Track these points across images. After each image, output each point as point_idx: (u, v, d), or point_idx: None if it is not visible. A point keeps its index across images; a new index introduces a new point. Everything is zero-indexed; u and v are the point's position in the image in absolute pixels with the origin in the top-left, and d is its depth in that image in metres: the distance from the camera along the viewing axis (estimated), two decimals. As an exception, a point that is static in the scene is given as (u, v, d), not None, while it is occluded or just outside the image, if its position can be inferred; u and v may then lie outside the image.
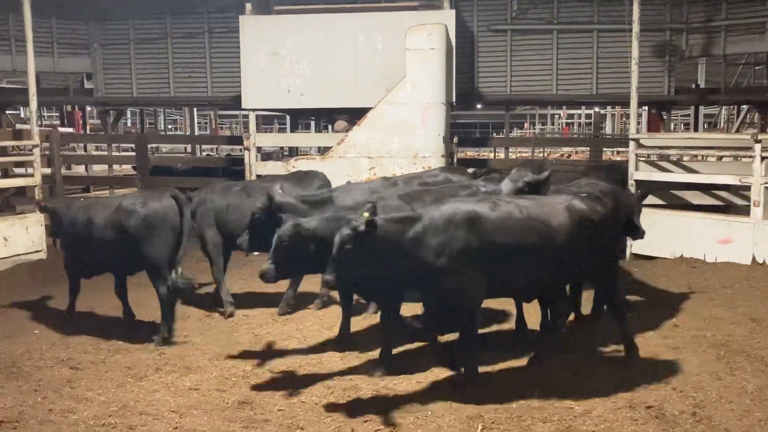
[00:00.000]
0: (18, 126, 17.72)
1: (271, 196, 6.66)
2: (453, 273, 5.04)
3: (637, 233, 7.01)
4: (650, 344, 6.31)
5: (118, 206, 6.60)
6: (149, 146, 16.44)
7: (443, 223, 5.08)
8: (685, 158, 10.99)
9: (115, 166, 17.06)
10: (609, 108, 27.40)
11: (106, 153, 17.40)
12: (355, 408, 4.97)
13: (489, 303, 6.67)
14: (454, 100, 12.24)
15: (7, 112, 19.54)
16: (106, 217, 6.59)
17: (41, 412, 5.00)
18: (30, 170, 11.69)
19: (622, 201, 6.61)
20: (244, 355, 6.24)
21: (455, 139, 12.63)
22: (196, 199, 7.75)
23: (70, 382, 5.61)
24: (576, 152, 24.71)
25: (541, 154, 23.36)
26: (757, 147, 9.34)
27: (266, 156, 15.65)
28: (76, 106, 21.13)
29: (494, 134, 35.77)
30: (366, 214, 5.12)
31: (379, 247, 4.99)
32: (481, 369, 5.50)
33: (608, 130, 29.24)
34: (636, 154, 10.73)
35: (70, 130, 20.82)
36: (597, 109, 25.53)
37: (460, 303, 5.22)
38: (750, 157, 9.69)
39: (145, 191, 7.05)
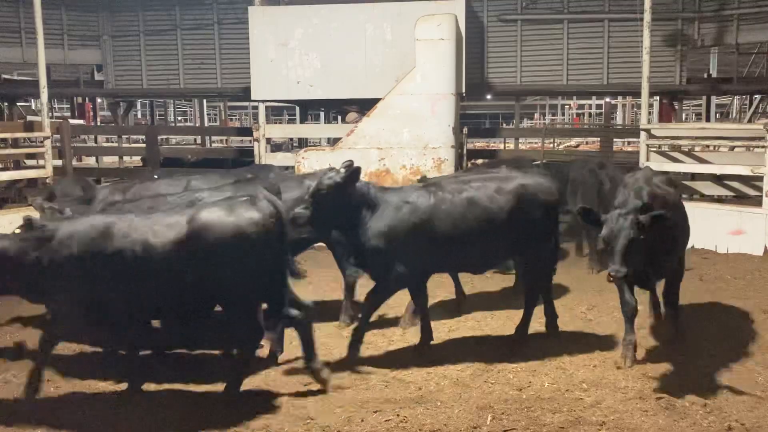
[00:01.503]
0: (29, 118, 17.75)
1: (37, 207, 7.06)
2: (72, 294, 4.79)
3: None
4: (661, 334, 6.29)
5: None
6: (159, 138, 16.50)
7: (61, 240, 4.74)
8: (696, 149, 10.93)
9: (126, 158, 17.13)
10: (620, 98, 27.14)
11: (116, 144, 17.47)
12: (365, 399, 4.98)
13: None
14: (463, 90, 12.19)
15: (18, 104, 19.67)
16: None
17: (55, 400, 5.05)
18: (41, 162, 11.77)
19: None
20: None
21: (465, 130, 12.60)
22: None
23: (84, 371, 5.65)
24: (587, 143, 24.52)
25: (552, 145, 23.21)
26: (770, 137, 9.29)
27: (276, 147, 15.66)
28: (87, 98, 21.21)
29: (504, 125, 35.64)
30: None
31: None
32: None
33: (619, 120, 29.02)
34: (647, 145, 10.68)
35: (81, 121, 20.86)
36: (608, 100, 25.32)
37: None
38: (762, 147, 9.64)
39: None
